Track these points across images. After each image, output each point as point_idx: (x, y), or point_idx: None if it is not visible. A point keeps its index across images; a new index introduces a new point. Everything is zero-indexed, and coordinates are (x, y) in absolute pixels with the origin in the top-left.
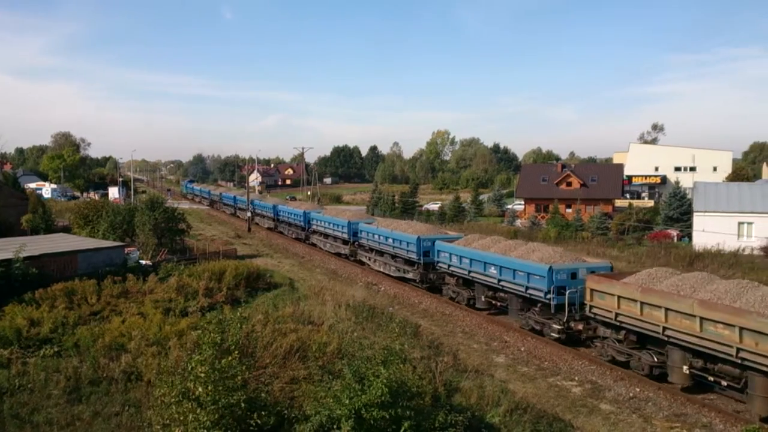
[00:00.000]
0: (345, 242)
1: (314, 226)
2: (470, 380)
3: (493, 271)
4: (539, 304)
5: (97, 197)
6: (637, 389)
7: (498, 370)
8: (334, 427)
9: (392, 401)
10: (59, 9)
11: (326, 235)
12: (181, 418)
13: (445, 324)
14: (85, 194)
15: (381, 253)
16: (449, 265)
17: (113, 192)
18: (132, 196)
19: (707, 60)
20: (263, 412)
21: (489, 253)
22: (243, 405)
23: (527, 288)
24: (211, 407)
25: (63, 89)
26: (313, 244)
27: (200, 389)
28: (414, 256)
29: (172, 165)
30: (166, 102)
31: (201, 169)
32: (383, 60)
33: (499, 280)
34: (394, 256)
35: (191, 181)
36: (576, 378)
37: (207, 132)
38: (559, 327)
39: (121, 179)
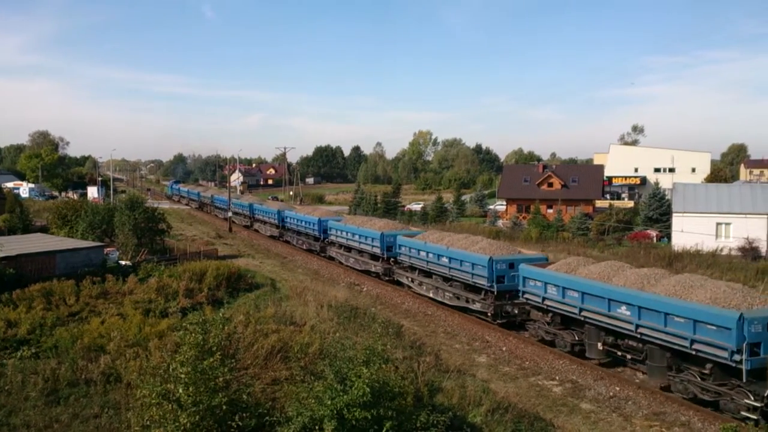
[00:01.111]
0: (375, 258)
1: (332, 237)
2: (452, 380)
3: (624, 311)
4: (709, 365)
5: (75, 197)
6: (617, 388)
7: (480, 370)
8: (316, 428)
9: (374, 401)
10: (38, 6)
11: (349, 249)
12: (161, 420)
13: (427, 324)
14: (63, 194)
15: (429, 274)
16: (543, 298)
17: (92, 192)
18: (111, 196)
19: (687, 62)
20: (245, 414)
21: (616, 287)
22: (224, 407)
23: (693, 341)
24: (192, 409)
25: (41, 87)
26: (331, 258)
27: (181, 390)
28: (483, 282)
29: (152, 165)
30: (146, 101)
31: (182, 169)
32: (366, 60)
33: (637, 326)
34: (449, 279)
35: (177, 182)
36: (557, 377)
37: (188, 131)
38: (757, 403)
39: (100, 179)
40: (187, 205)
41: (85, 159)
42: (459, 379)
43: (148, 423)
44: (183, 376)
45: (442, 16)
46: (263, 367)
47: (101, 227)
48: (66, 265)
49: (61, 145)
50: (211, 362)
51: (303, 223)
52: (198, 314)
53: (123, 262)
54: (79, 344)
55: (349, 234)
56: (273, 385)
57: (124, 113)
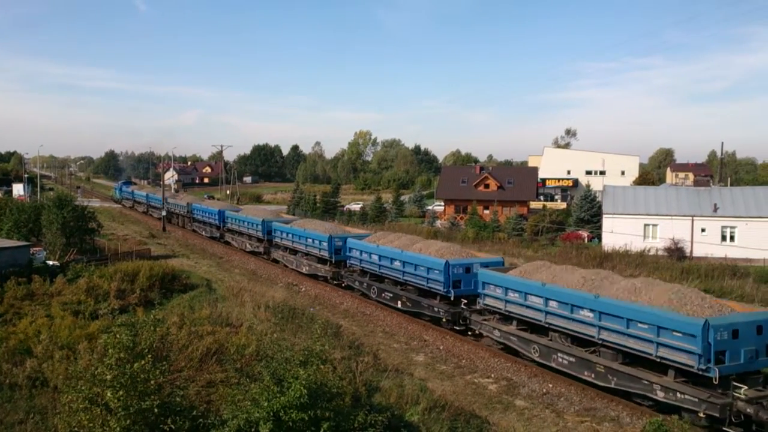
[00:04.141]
0: (577, 341)
1: (489, 299)
2: (390, 379)
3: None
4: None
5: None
6: (550, 385)
7: (417, 369)
8: (252, 430)
9: (311, 402)
10: None
11: (509, 319)
12: (90, 425)
13: (366, 324)
14: None
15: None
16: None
17: (18, 189)
18: (38, 194)
19: (617, 68)
20: (177, 417)
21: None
22: (156, 410)
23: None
24: (122, 413)
25: None
26: (481, 335)
27: (109, 394)
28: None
29: (82, 161)
30: (77, 96)
31: (113, 167)
32: (305, 60)
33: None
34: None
35: (127, 183)
36: (492, 375)
37: (120, 128)
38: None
39: (26, 175)
40: (145, 212)
41: (10, 155)
42: (397, 378)
43: (76, 429)
44: (110, 379)
45: (380, 18)
46: (198, 370)
47: (27, 226)
48: None
49: None
50: (141, 365)
51: (376, 256)
52: (129, 316)
53: (51, 262)
54: (4, 347)
55: (517, 295)
56: (208, 388)
57: (53, 108)
